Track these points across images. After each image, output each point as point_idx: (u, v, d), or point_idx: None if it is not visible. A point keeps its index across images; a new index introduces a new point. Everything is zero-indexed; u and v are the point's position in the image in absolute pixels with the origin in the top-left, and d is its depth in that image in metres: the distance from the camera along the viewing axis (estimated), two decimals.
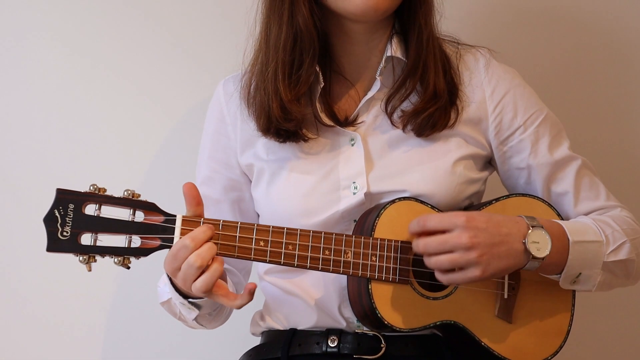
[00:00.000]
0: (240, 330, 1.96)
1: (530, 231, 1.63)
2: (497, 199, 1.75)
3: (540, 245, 1.64)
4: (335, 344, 1.74)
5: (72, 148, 2.20)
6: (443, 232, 1.61)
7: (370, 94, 1.78)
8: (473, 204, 1.81)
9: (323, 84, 1.75)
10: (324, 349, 1.75)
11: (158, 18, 2.22)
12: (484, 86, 1.80)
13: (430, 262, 1.62)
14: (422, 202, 1.71)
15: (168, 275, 1.67)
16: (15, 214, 2.20)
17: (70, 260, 2.09)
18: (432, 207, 1.71)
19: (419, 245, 1.62)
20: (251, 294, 1.59)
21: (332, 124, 1.77)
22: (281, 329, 1.82)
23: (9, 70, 2.20)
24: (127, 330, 2.23)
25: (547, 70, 2.26)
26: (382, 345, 1.72)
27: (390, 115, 1.77)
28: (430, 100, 1.74)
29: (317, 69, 1.75)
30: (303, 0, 1.71)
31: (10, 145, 2.20)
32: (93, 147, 2.20)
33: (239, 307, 1.61)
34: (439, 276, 1.63)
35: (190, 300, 1.70)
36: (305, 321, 1.78)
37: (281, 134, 1.75)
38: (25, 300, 2.21)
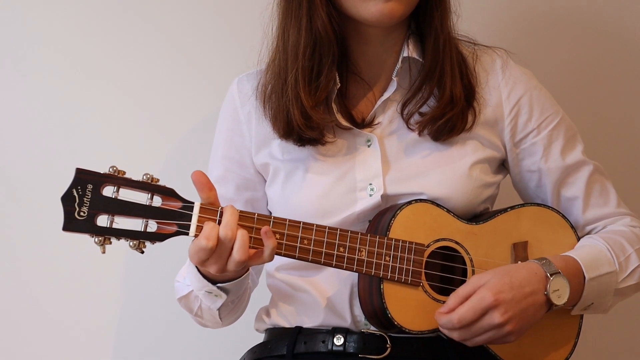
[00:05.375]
0: (244, 327, 1.95)
1: (550, 280, 1.65)
2: (512, 207, 1.76)
3: (561, 292, 1.66)
4: (341, 342, 1.74)
5: (81, 148, 2.21)
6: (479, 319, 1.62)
7: (386, 95, 1.78)
8: (488, 209, 1.82)
9: (339, 85, 1.75)
10: (329, 347, 1.74)
11: (168, 21, 2.23)
12: (501, 88, 1.80)
13: (467, 344, 1.64)
14: (438, 205, 1.71)
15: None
16: (19, 212, 2.20)
17: (74, 260, 2.13)
18: (448, 210, 1.72)
19: (454, 336, 1.63)
20: (269, 236, 1.58)
21: (349, 125, 1.77)
22: (287, 326, 1.81)
23: (13, 71, 2.20)
24: (129, 328, 2.22)
25: (562, 72, 2.28)
26: (387, 346, 1.72)
27: (406, 120, 1.77)
28: (447, 105, 1.75)
29: (334, 71, 1.74)
30: (321, 5, 1.70)
31: (14, 141, 2.20)
32: (103, 145, 2.21)
33: (270, 256, 1.59)
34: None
35: (218, 285, 1.69)
36: (312, 319, 1.78)
37: (303, 139, 1.75)
38: (30, 298, 2.20)
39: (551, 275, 1.65)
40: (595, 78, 2.30)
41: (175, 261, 1.87)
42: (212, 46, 2.23)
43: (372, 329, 1.73)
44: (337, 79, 1.75)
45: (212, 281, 1.70)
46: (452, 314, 1.61)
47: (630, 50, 2.30)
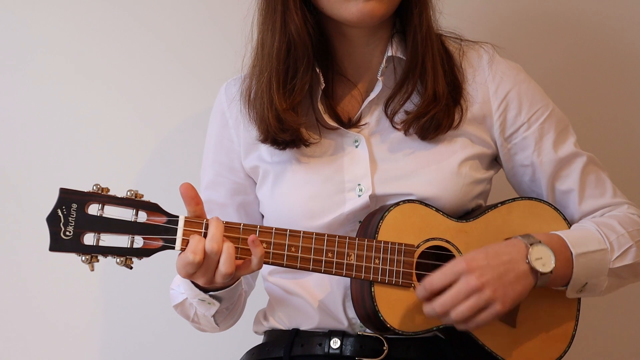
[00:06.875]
0: (243, 329, 1.96)
1: (530, 249, 1.63)
2: (502, 202, 1.74)
3: (544, 260, 1.63)
4: (338, 345, 1.74)
5: (73, 150, 2.21)
6: (450, 285, 1.60)
7: (372, 96, 1.77)
8: (481, 206, 1.80)
9: (324, 85, 1.74)
10: (326, 350, 1.74)
11: (159, 22, 2.23)
12: (488, 83, 1.78)
13: (451, 318, 1.60)
14: (426, 204, 1.70)
15: None
16: (16, 215, 2.21)
17: (71, 261, 2.13)
18: (437, 209, 1.70)
19: (436, 308, 1.60)
20: (257, 245, 1.58)
21: (336, 125, 1.76)
22: (284, 328, 1.81)
23: (12, 72, 2.21)
24: (127, 329, 2.23)
25: (550, 67, 2.26)
26: (384, 348, 1.72)
27: (391, 118, 1.76)
28: (431, 103, 1.73)
29: (318, 71, 1.74)
30: (295, 8, 1.70)
31: (12, 146, 2.21)
32: (94, 149, 2.21)
33: (259, 265, 1.59)
34: (464, 327, 1.61)
35: (211, 293, 1.70)
36: (308, 322, 1.78)
37: (279, 142, 1.74)
38: (26, 299, 2.22)
39: (531, 244, 1.63)
40: (586, 73, 2.28)
41: (174, 262, 1.88)
42: (205, 47, 2.23)
43: (368, 331, 1.73)
44: (322, 79, 1.74)
45: (205, 289, 1.70)
46: (424, 281, 1.60)
47: (625, 45, 2.28)
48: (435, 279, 1.59)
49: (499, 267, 1.60)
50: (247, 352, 1.86)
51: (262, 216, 1.86)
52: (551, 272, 1.63)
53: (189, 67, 2.22)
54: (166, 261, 1.92)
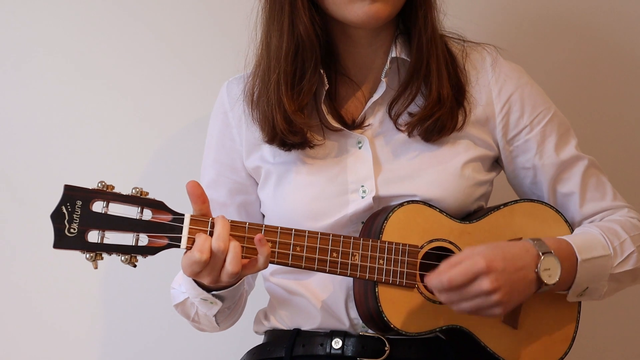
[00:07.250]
0: (243, 329, 1.96)
1: (541, 259, 1.63)
2: (505, 204, 1.75)
3: (552, 271, 1.64)
4: (340, 345, 1.74)
5: (74, 150, 2.21)
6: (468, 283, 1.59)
7: (375, 97, 1.77)
8: (482, 207, 1.81)
9: (328, 86, 1.74)
10: (327, 350, 1.74)
11: (160, 22, 2.23)
12: (491, 85, 1.79)
13: (452, 307, 1.61)
14: (430, 205, 1.70)
15: None
16: (17, 214, 2.20)
17: (72, 260, 2.12)
18: (441, 210, 1.71)
19: (442, 298, 1.60)
20: (263, 244, 1.57)
21: (339, 126, 1.76)
22: (285, 328, 1.81)
23: (12, 72, 2.21)
24: (128, 330, 2.23)
25: (552, 68, 2.27)
26: (386, 348, 1.72)
27: (395, 120, 1.76)
28: (435, 105, 1.74)
29: (322, 72, 1.74)
30: (304, 8, 1.69)
31: (13, 145, 2.21)
32: (96, 149, 2.21)
33: (264, 264, 1.59)
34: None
35: (214, 293, 1.69)
36: (309, 322, 1.78)
37: (287, 144, 1.74)
38: (26, 299, 2.21)
39: (543, 254, 1.64)
40: (588, 75, 2.29)
41: (174, 261, 1.88)
42: (205, 47, 2.23)
43: (370, 331, 1.73)
44: (326, 80, 1.74)
45: (207, 289, 1.70)
46: (442, 274, 1.58)
47: (626, 46, 2.29)
48: (457, 276, 1.57)
49: (513, 274, 1.60)
50: (248, 352, 1.86)
51: (263, 216, 1.85)
52: (554, 284, 1.64)
53: (189, 66, 2.22)
54: (168, 260, 1.92)
